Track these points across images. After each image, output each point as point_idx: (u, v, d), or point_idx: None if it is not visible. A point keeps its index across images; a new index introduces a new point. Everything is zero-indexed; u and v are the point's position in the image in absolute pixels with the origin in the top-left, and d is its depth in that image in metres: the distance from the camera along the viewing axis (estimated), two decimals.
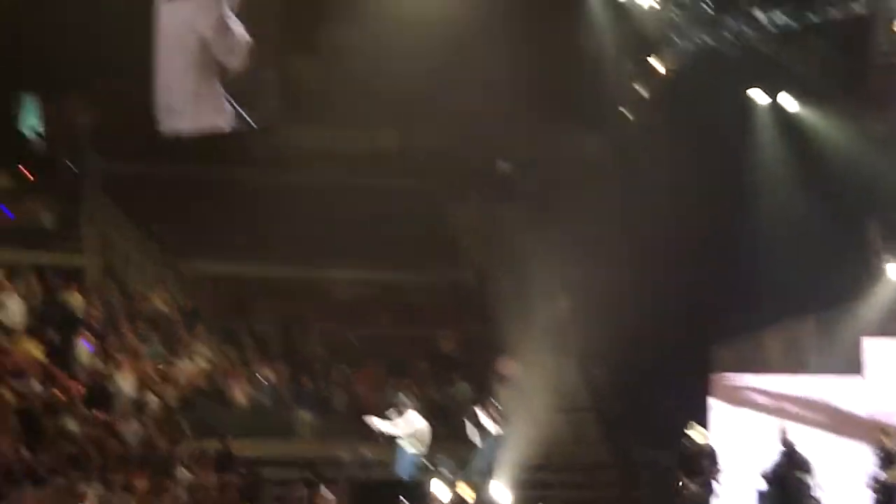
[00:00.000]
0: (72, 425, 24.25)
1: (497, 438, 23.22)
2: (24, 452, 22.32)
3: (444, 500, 22.05)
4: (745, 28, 23.88)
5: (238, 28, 24.11)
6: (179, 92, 24.45)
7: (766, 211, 26.38)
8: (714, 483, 22.47)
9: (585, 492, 25.79)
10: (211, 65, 24.26)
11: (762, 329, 26.26)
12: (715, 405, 25.69)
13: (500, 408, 24.05)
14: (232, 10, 23.85)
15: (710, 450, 22.74)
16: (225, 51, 24.12)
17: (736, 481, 23.46)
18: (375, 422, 23.32)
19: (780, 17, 23.59)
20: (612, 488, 27.31)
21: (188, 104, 24.33)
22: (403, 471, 23.08)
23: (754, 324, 26.05)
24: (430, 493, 22.70)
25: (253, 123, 24.61)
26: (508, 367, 28.69)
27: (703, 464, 22.47)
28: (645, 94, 25.42)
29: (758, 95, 25.89)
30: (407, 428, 23.22)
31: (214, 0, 23.90)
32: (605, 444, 29.27)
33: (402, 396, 24.27)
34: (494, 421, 23.28)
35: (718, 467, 22.49)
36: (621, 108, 26.11)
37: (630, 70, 25.80)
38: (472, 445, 23.61)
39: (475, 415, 23.53)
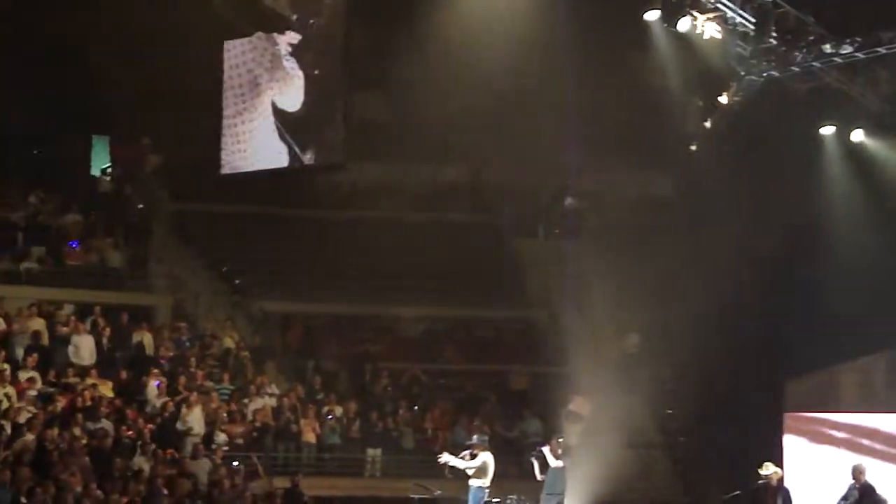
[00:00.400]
0: (142, 463, 24.38)
1: (559, 473, 23.05)
2: (96, 491, 22.44)
3: None
4: (811, 61, 23.63)
5: (293, 67, 24.33)
6: (243, 132, 24.74)
7: (837, 245, 26.03)
8: None
9: None
10: (271, 105, 24.52)
11: (835, 366, 25.88)
12: (788, 442, 25.34)
13: (563, 443, 23.88)
14: (292, 49, 24.09)
15: (784, 488, 22.41)
16: (281, 90, 24.39)
17: None
18: (445, 458, 23.24)
19: (846, 49, 23.32)
20: None
21: (251, 144, 24.60)
22: None
23: (827, 360, 25.70)
24: None
25: (318, 162, 24.81)
26: (579, 404, 28.48)
27: (776, 502, 22.14)
28: (712, 128, 25.21)
29: (826, 128, 25.58)
30: (476, 464, 23.11)
31: (270, 41, 24.22)
32: (676, 481, 28.97)
33: (472, 434, 24.15)
34: (557, 456, 23.11)
35: None
36: (688, 144, 25.90)
37: (697, 105, 25.61)
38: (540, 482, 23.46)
39: (539, 451, 23.39)
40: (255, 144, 24.82)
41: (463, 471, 22.96)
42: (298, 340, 30.48)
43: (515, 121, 30.35)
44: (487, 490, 23.02)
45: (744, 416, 26.78)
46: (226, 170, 25.35)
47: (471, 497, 23.03)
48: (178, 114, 28.15)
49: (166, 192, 32.77)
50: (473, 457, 22.83)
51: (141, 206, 32.37)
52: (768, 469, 22.28)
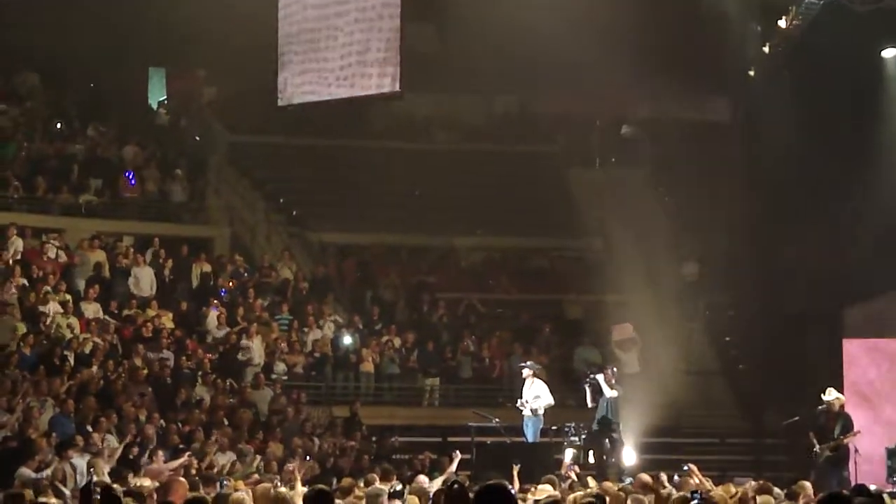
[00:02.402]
0: (203, 393, 24.62)
1: (613, 402, 23.08)
2: (158, 420, 22.68)
3: (570, 464, 21.98)
4: None
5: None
6: (298, 63, 24.69)
7: None
8: (848, 446, 22.08)
9: (717, 457, 25.48)
10: (328, 37, 24.47)
11: (893, 291, 25.67)
12: (848, 369, 25.21)
13: (617, 373, 23.88)
14: None
15: (845, 413, 22.35)
16: (336, 22, 24.32)
17: (867, 444, 23.04)
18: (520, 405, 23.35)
19: None
20: (745, 453, 27.00)
21: (307, 75, 24.55)
22: (529, 435, 23.07)
23: (885, 286, 25.50)
24: (558, 457, 22.68)
25: (374, 92, 24.75)
26: (621, 330, 28.45)
27: (837, 427, 22.09)
28: (771, 53, 24.94)
29: (888, 51, 25.25)
30: (532, 393, 23.19)
31: None
32: (735, 407, 28.94)
33: (527, 363, 24.21)
34: (612, 386, 23.11)
35: (853, 431, 22.10)
36: (747, 69, 25.64)
37: (755, 29, 25.33)
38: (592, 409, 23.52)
39: (594, 378, 23.41)
40: (310, 76, 24.77)
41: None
42: (355, 271, 30.55)
43: (570, 49, 30.11)
44: (541, 416, 23.13)
45: (802, 343, 26.65)
46: (282, 101, 25.30)
47: (528, 424, 23.15)
48: (233, 45, 28.14)
49: (223, 124, 32.83)
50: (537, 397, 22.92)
51: (197, 138, 32.47)
52: (830, 395, 22.24)
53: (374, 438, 25.45)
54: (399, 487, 15.46)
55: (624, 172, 33.62)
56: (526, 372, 23.59)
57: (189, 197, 30.56)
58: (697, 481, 16.75)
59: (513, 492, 9.35)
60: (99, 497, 12.23)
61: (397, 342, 28.23)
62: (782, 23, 24.64)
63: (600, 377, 23.38)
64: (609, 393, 23.11)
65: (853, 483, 21.55)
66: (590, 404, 23.36)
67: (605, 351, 28.58)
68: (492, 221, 31.99)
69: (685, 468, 17.74)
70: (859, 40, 24.89)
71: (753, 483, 16.52)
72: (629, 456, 23.16)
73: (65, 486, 18.54)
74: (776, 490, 15.68)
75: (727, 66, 27.92)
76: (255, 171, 32.29)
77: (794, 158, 27.02)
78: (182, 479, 15.04)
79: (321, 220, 31.34)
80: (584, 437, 23.04)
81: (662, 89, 31.19)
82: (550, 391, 23.43)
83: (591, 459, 22.86)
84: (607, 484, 17.30)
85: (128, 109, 31.98)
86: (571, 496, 14.67)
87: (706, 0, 26.45)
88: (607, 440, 23.04)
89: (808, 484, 15.96)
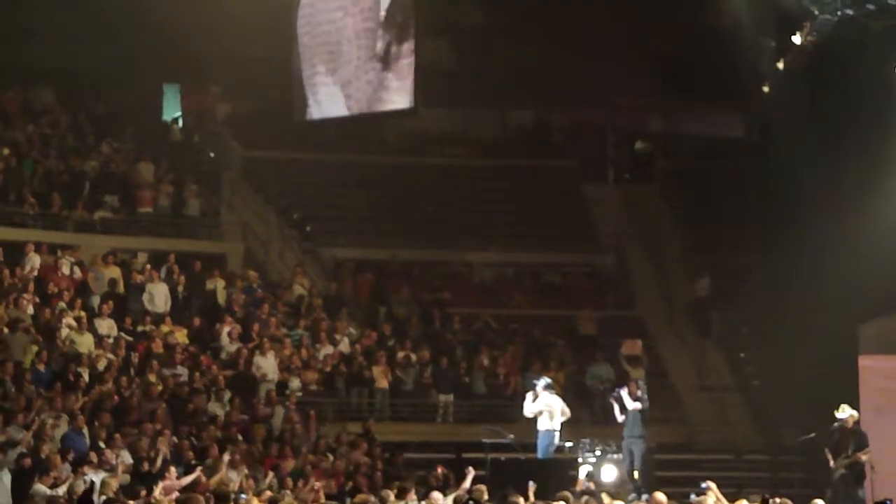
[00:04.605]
0: (217, 409, 24.61)
1: (638, 415, 23.05)
2: (172, 437, 22.68)
3: (585, 480, 21.96)
4: None
5: (364, 17, 24.32)
6: (313, 80, 24.82)
7: None
8: (863, 463, 22.00)
9: (733, 473, 25.40)
10: (343, 53, 24.55)
11: None
12: (863, 385, 25.13)
13: (641, 385, 23.85)
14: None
15: (859, 430, 22.28)
16: (351, 38, 24.40)
17: (884, 462, 22.96)
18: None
19: None
20: (762, 470, 26.92)
21: (322, 91, 24.67)
22: (543, 451, 23.04)
23: None
24: (573, 473, 22.64)
25: (388, 108, 24.82)
26: (630, 346, 28.42)
27: (851, 444, 22.02)
28: (785, 69, 24.89)
29: None
30: (536, 408, 23.17)
31: None
32: (750, 424, 28.86)
33: (541, 378, 24.18)
34: (635, 399, 23.09)
35: (867, 447, 22.03)
36: (761, 85, 25.60)
37: (770, 45, 25.28)
38: (614, 425, 23.48)
39: (618, 393, 23.39)
40: (325, 92, 24.85)
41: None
42: (369, 287, 30.54)
43: (584, 64, 30.13)
44: (556, 433, 23.10)
45: (817, 359, 26.57)
46: (296, 117, 25.39)
47: (539, 440, 23.12)
48: (248, 62, 28.23)
49: (236, 140, 32.88)
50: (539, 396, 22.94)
51: (212, 154, 32.52)
52: (844, 412, 22.17)
53: (386, 455, 25.40)
54: None
55: (637, 188, 33.62)
56: (538, 385, 23.53)
57: (203, 213, 30.60)
58: (715, 499, 16.69)
59: None
60: None
61: (412, 358, 28.20)
62: (797, 38, 24.57)
63: (623, 391, 23.38)
64: (631, 405, 23.11)
65: (869, 499, 21.56)
66: (618, 419, 23.34)
67: (618, 367, 28.50)
68: (505, 237, 31.99)
69: (703, 486, 17.68)
70: (873, 56, 24.83)
71: (778, 500, 16.44)
72: (609, 472, 23.05)
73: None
74: None
75: (741, 81, 27.87)
76: (269, 186, 32.32)
77: (808, 174, 26.96)
78: (200, 495, 15.02)
79: (335, 236, 31.36)
80: (610, 452, 23.06)
81: (676, 105, 31.20)
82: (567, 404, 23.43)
83: (611, 477, 22.81)
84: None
85: (142, 126, 32.03)
86: None
87: (720, 15, 26.41)
88: (630, 453, 23.03)
89: (821, 502, 15.88)
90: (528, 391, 23.72)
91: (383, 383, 27.54)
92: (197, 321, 27.13)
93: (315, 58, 24.80)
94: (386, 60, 24.14)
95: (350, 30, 24.51)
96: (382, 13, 24.20)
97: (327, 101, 24.88)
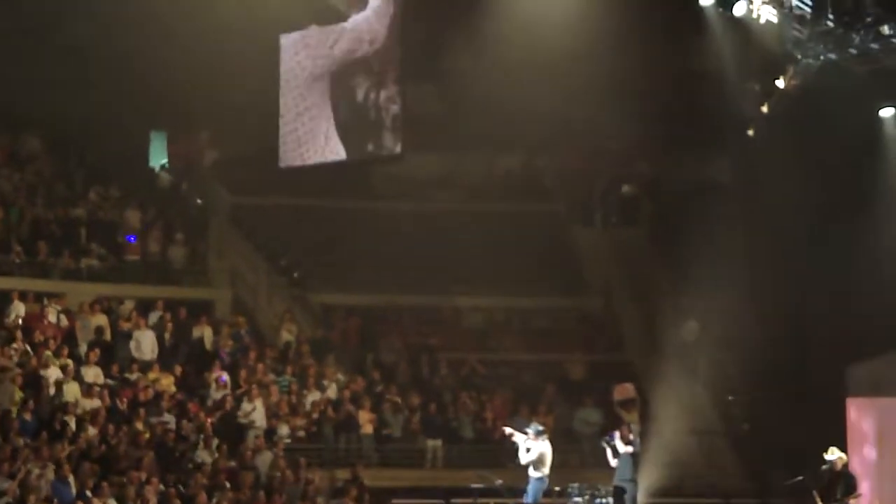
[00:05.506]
0: (205, 457, 24.54)
1: (630, 459, 23.06)
2: (159, 485, 22.60)
3: None
4: (870, 43, 23.34)
5: (349, 60, 24.42)
6: (300, 125, 24.81)
7: None
8: None
9: None
10: (328, 98, 24.60)
11: None
12: (852, 428, 25.14)
13: (634, 429, 23.86)
14: (347, 42, 24.15)
15: (848, 473, 22.27)
16: (337, 82, 24.46)
17: None
18: (509, 431, 23.40)
19: None
20: None
21: (309, 137, 24.67)
22: (533, 496, 23.02)
23: (890, 344, 25.45)
24: None
25: (375, 154, 24.85)
26: (622, 391, 28.38)
27: (840, 487, 22.01)
28: (769, 113, 24.98)
29: (886, 110, 25.31)
30: (532, 458, 23.14)
31: (325, 33, 24.31)
32: (739, 467, 28.82)
33: (531, 423, 24.16)
34: (627, 443, 23.10)
35: (856, 491, 22.01)
36: (745, 129, 25.69)
37: (754, 89, 25.39)
38: (604, 469, 23.47)
39: (610, 437, 23.41)
40: (312, 137, 24.88)
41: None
42: (357, 332, 30.53)
43: (570, 108, 30.24)
44: (546, 479, 23.10)
45: (806, 402, 26.57)
46: (283, 163, 25.42)
47: (530, 487, 23.12)
48: (234, 108, 28.28)
49: (224, 186, 32.92)
50: (528, 451, 22.93)
51: (199, 200, 32.54)
52: (833, 454, 22.16)
53: (375, 501, 25.33)
54: None
55: (625, 231, 33.69)
56: (530, 433, 23.50)
57: (191, 260, 30.60)
58: None
59: None
60: None
61: (399, 403, 28.16)
62: (780, 82, 24.70)
63: (616, 435, 23.40)
64: (623, 449, 23.14)
65: None
66: (612, 464, 23.35)
67: (607, 411, 28.47)
68: (493, 281, 32.00)
69: None
70: (857, 100, 24.96)
71: None
72: None
73: None
74: None
75: (726, 125, 28.00)
76: (257, 232, 32.33)
77: (794, 217, 27.05)
78: None
79: (323, 282, 31.36)
80: (599, 496, 23.05)
81: (662, 148, 31.29)
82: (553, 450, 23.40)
83: None
84: None
85: (129, 173, 32.07)
86: None
87: (705, 60, 26.54)
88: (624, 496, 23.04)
89: None
90: (510, 437, 23.61)
91: (368, 429, 27.51)
92: (184, 368, 27.08)
93: (300, 104, 24.83)
94: (371, 107, 24.20)
95: (334, 77, 24.57)
96: (364, 59, 24.29)
97: (314, 147, 24.90)
